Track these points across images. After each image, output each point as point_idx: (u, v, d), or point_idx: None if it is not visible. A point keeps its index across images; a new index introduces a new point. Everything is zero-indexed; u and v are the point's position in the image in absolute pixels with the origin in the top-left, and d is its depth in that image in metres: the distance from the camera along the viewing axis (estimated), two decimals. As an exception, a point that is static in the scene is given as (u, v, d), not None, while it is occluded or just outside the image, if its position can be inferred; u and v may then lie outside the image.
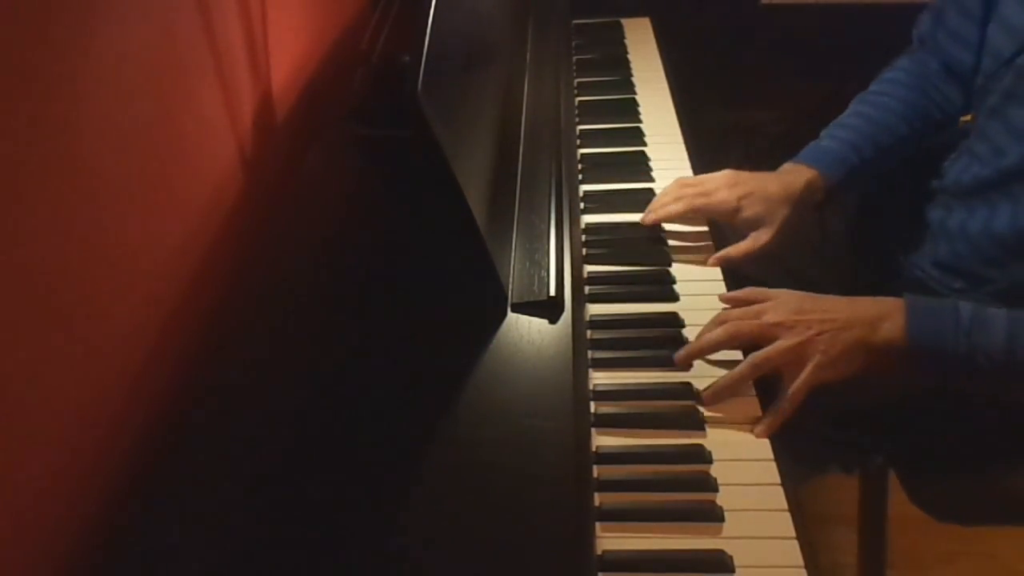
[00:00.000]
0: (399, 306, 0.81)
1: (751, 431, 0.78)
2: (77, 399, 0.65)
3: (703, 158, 1.17)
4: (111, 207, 0.69)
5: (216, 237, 0.88)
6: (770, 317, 0.82)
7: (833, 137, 1.05)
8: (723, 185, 1.00)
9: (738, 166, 1.07)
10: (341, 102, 1.10)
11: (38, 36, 0.59)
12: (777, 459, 0.75)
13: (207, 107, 0.87)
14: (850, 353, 0.80)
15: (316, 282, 0.85)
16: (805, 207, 1.00)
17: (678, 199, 1.01)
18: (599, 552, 0.67)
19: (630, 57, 1.47)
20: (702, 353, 0.83)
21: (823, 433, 1.02)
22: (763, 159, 1.05)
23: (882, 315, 0.80)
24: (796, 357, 0.80)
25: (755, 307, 0.84)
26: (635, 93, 1.36)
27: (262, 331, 0.79)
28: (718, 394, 0.80)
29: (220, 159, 0.91)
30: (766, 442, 0.77)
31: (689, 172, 1.15)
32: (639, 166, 1.17)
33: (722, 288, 0.94)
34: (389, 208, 0.95)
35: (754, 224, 0.99)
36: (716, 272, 0.97)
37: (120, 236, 0.70)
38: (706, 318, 0.88)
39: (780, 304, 0.83)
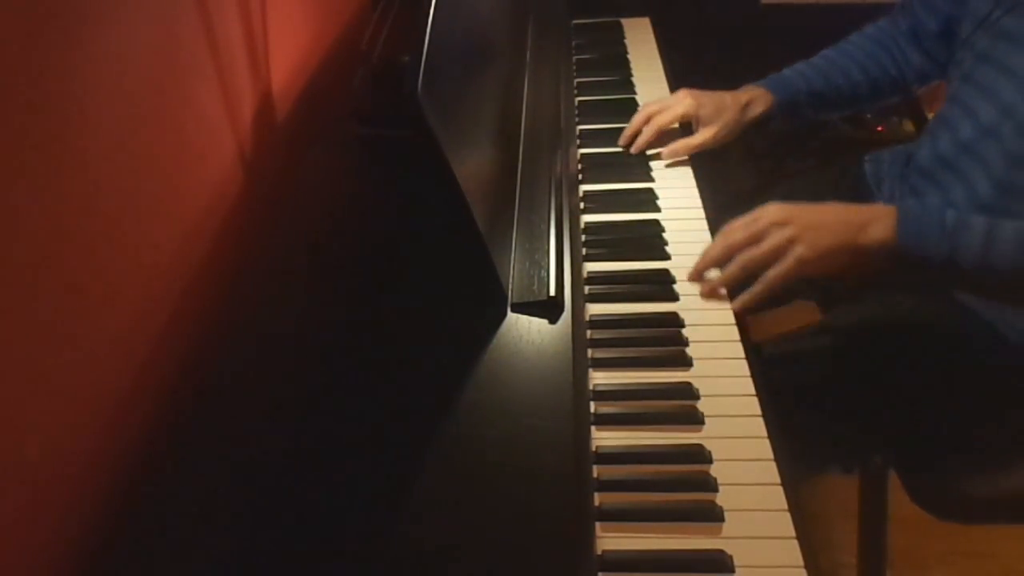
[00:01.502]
0: (399, 306, 0.81)
1: (751, 431, 0.78)
2: (76, 399, 0.65)
3: (702, 158, 1.17)
4: (111, 207, 0.69)
5: (216, 237, 0.88)
6: (764, 220, 0.89)
7: (791, 68, 1.19)
8: (683, 95, 1.16)
9: (738, 166, 1.09)
10: (341, 102, 1.10)
11: (38, 36, 0.59)
12: (777, 459, 0.75)
13: (207, 107, 0.87)
14: (834, 252, 0.86)
15: (316, 282, 0.85)
16: (748, 114, 1.15)
17: (648, 119, 1.16)
18: (599, 552, 0.67)
19: (630, 57, 1.47)
20: (706, 267, 0.91)
21: (823, 431, 1.03)
22: (763, 159, 1.08)
23: (872, 219, 0.86)
24: (782, 252, 0.86)
25: (752, 214, 0.91)
26: (635, 93, 1.36)
27: (262, 331, 0.79)
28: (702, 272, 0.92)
29: (220, 159, 0.91)
30: (766, 442, 0.77)
31: (689, 172, 1.15)
32: (639, 166, 1.17)
33: (722, 287, 0.94)
34: (389, 208, 0.95)
35: (708, 120, 1.14)
36: (716, 272, 0.97)
37: (120, 236, 0.70)
38: (706, 317, 0.88)
39: (774, 207, 0.90)
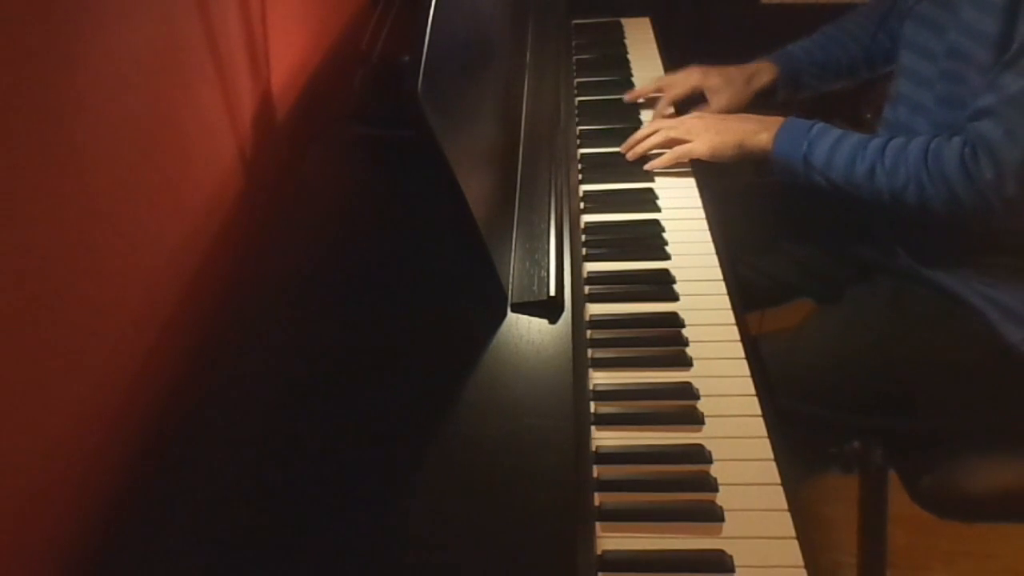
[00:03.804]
0: (399, 306, 0.81)
1: (751, 431, 0.78)
2: (76, 399, 0.65)
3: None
4: (111, 207, 0.69)
5: (216, 237, 0.88)
6: (690, 117, 1.18)
7: (796, 44, 1.32)
8: (692, 69, 1.30)
9: (738, 165, 1.11)
10: (341, 102, 1.10)
11: (38, 36, 0.59)
12: (777, 459, 0.75)
13: (207, 107, 0.87)
14: (729, 145, 1.10)
15: (316, 282, 0.85)
16: (753, 84, 1.29)
17: (658, 89, 1.31)
18: (599, 552, 0.67)
19: (630, 57, 1.47)
20: (642, 146, 1.15)
21: (819, 426, 1.04)
22: (762, 158, 1.10)
23: (764, 127, 1.09)
24: (692, 136, 1.12)
25: (682, 117, 1.19)
26: (635, 93, 1.36)
27: (262, 331, 0.79)
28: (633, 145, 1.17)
29: (220, 159, 0.91)
30: (766, 442, 0.77)
31: (689, 172, 1.15)
32: (639, 166, 1.16)
33: (722, 288, 0.95)
34: (389, 208, 0.95)
35: (715, 89, 1.28)
36: (716, 272, 0.97)
37: (120, 236, 0.70)
38: (706, 317, 0.88)
39: (695, 116, 1.17)
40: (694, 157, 1.12)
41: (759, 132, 1.09)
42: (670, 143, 1.14)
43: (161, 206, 0.78)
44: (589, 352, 0.85)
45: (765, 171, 1.13)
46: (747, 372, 0.84)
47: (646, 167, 1.14)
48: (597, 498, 0.71)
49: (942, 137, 0.96)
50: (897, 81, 1.11)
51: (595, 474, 0.73)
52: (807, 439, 1.06)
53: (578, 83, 1.39)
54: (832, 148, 1.03)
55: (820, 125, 1.06)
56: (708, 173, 1.15)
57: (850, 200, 1.05)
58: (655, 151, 1.16)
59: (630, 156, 1.16)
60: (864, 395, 1.04)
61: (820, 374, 1.03)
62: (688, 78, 1.29)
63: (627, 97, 1.32)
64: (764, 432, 0.78)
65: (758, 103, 1.29)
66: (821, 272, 1.22)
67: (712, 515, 0.70)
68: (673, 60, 1.46)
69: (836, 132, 1.04)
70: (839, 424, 1.07)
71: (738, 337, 0.88)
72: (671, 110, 1.29)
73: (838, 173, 1.02)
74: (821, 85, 1.31)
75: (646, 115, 1.29)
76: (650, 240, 1.02)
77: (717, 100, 1.27)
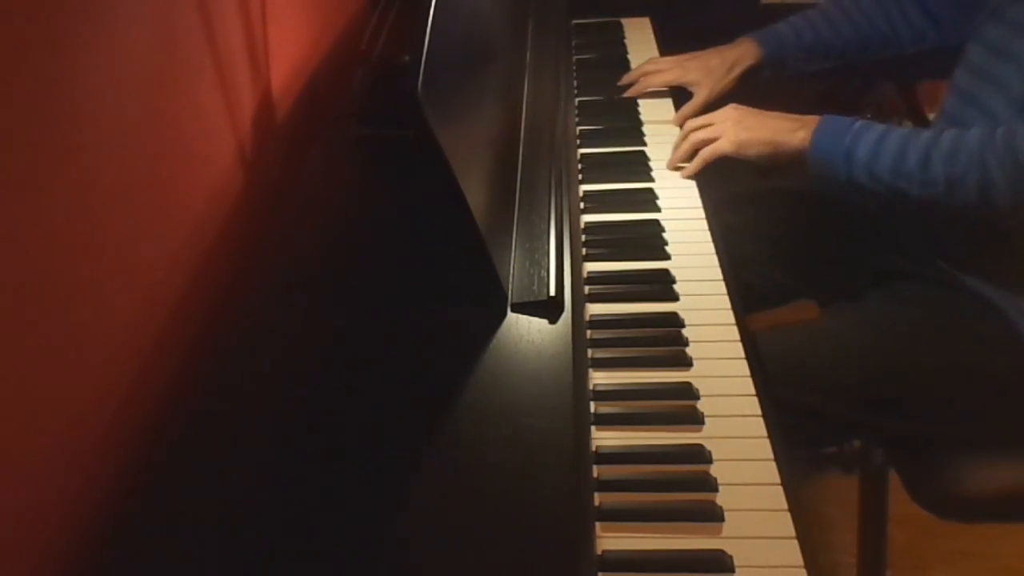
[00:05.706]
0: (399, 306, 0.81)
1: (751, 431, 0.78)
2: (76, 399, 0.65)
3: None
4: (110, 207, 0.69)
5: (216, 237, 0.88)
6: (717, 114, 1.12)
7: (786, 21, 1.28)
8: (674, 63, 1.31)
9: (738, 166, 1.11)
10: (341, 102, 1.10)
11: (38, 36, 0.59)
12: (777, 459, 0.75)
13: (207, 107, 0.87)
14: (761, 143, 1.05)
15: (316, 282, 0.85)
16: (735, 71, 1.26)
17: (641, 75, 1.32)
18: (599, 552, 0.67)
19: (630, 57, 1.47)
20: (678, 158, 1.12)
21: (836, 413, 1.03)
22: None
23: (800, 126, 1.03)
24: (721, 135, 1.08)
25: (716, 112, 1.13)
26: (635, 93, 1.36)
27: (262, 331, 0.79)
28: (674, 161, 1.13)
29: (220, 159, 0.91)
30: (766, 442, 0.77)
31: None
32: (639, 166, 1.17)
33: (722, 287, 0.95)
34: (389, 208, 0.95)
35: (696, 82, 1.26)
36: (716, 272, 0.97)
37: (119, 236, 0.70)
38: (706, 317, 0.88)
39: (731, 107, 1.12)
40: (719, 155, 1.09)
41: (796, 129, 1.03)
42: (700, 146, 1.11)
43: (161, 206, 0.78)
44: (589, 352, 0.85)
45: (766, 174, 1.12)
46: (747, 372, 0.83)
47: (680, 175, 1.12)
48: (597, 498, 0.71)
49: (1016, 121, 0.89)
50: (989, 62, 1.03)
51: (595, 474, 0.73)
52: (814, 432, 1.06)
53: (578, 83, 1.39)
54: (879, 141, 0.97)
55: (863, 121, 1.00)
56: (711, 179, 1.15)
57: (884, 201, 0.99)
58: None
59: (670, 166, 1.14)
60: (880, 395, 1.02)
61: (837, 371, 1.02)
62: (666, 75, 1.30)
63: (620, 82, 1.35)
64: (764, 432, 0.78)
65: (744, 84, 1.29)
66: (827, 277, 1.21)
67: (712, 515, 0.69)
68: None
69: (881, 126, 0.99)
70: (851, 421, 1.06)
71: (738, 337, 0.88)
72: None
73: (885, 166, 0.96)
74: (807, 66, 1.28)
75: (646, 114, 1.29)
76: (650, 240, 1.02)
77: (699, 93, 1.26)
